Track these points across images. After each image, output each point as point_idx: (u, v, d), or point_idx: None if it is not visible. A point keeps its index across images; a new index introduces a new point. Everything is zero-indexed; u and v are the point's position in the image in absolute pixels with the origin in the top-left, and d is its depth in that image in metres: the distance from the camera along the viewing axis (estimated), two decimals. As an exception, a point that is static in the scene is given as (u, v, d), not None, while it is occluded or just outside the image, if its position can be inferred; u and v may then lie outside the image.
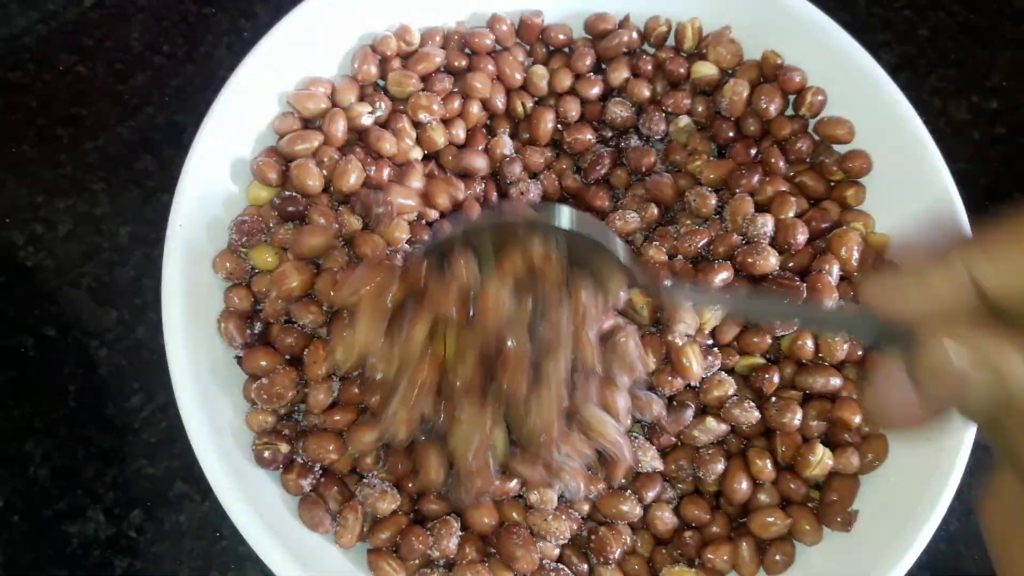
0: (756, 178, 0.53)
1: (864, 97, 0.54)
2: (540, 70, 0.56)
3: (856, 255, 0.50)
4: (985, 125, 0.66)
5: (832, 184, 0.55)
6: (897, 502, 0.46)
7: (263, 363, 0.47)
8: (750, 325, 0.49)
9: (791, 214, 0.51)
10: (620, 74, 0.56)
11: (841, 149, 0.55)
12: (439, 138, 0.53)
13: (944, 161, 0.51)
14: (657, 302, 0.45)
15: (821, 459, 0.47)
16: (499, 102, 0.56)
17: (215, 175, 0.49)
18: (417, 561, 0.45)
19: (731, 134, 0.55)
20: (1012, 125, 0.66)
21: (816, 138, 0.55)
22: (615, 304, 0.39)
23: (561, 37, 0.57)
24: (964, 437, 0.45)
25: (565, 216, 0.36)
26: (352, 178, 0.49)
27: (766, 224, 0.50)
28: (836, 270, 0.50)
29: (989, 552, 0.25)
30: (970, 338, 0.24)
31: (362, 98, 0.53)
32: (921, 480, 0.45)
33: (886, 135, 0.53)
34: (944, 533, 0.54)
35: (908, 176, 0.52)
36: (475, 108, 0.55)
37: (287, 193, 0.49)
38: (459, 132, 0.54)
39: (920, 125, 0.52)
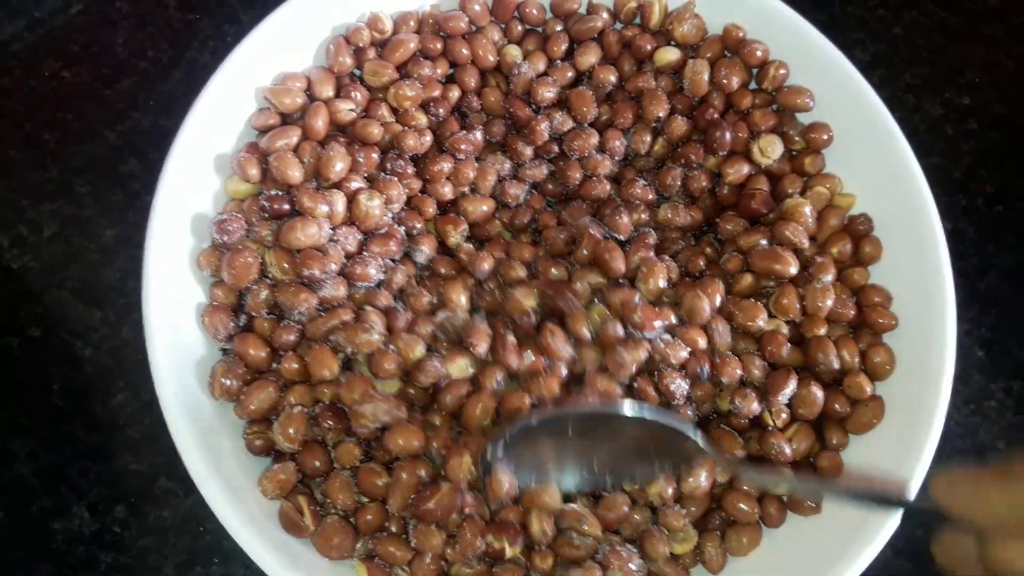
0: (727, 135, 0.54)
1: (836, 94, 0.54)
2: (513, 50, 0.56)
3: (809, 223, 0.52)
4: (958, 121, 0.67)
5: (793, 154, 0.56)
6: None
7: (252, 351, 0.47)
8: None
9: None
10: (588, 59, 0.56)
11: (802, 118, 0.56)
12: (422, 119, 0.54)
13: (916, 155, 0.52)
14: (729, 474, 0.48)
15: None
16: (472, 82, 0.56)
17: (196, 172, 0.50)
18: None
19: (692, 107, 0.56)
20: (984, 121, 0.67)
21: (776, 107, 0.56)
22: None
23: (535, 13, 0.57)
24: (933, 424, 0.46)
25: (631, 406, 0.43)
26: (339, 166, 0.50)
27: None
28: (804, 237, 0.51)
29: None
30: None
31: (339, 89, 0.54)
32: (893, 464, 0.46)
33: (858, 131, 0.54)
34: (921, 519, 0.55)
35: (880, 171, 0.53)
36: (455, 94, 0.56)
37: (274, 192, 0.50)
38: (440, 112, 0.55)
39: (892, 120, 0.53)
